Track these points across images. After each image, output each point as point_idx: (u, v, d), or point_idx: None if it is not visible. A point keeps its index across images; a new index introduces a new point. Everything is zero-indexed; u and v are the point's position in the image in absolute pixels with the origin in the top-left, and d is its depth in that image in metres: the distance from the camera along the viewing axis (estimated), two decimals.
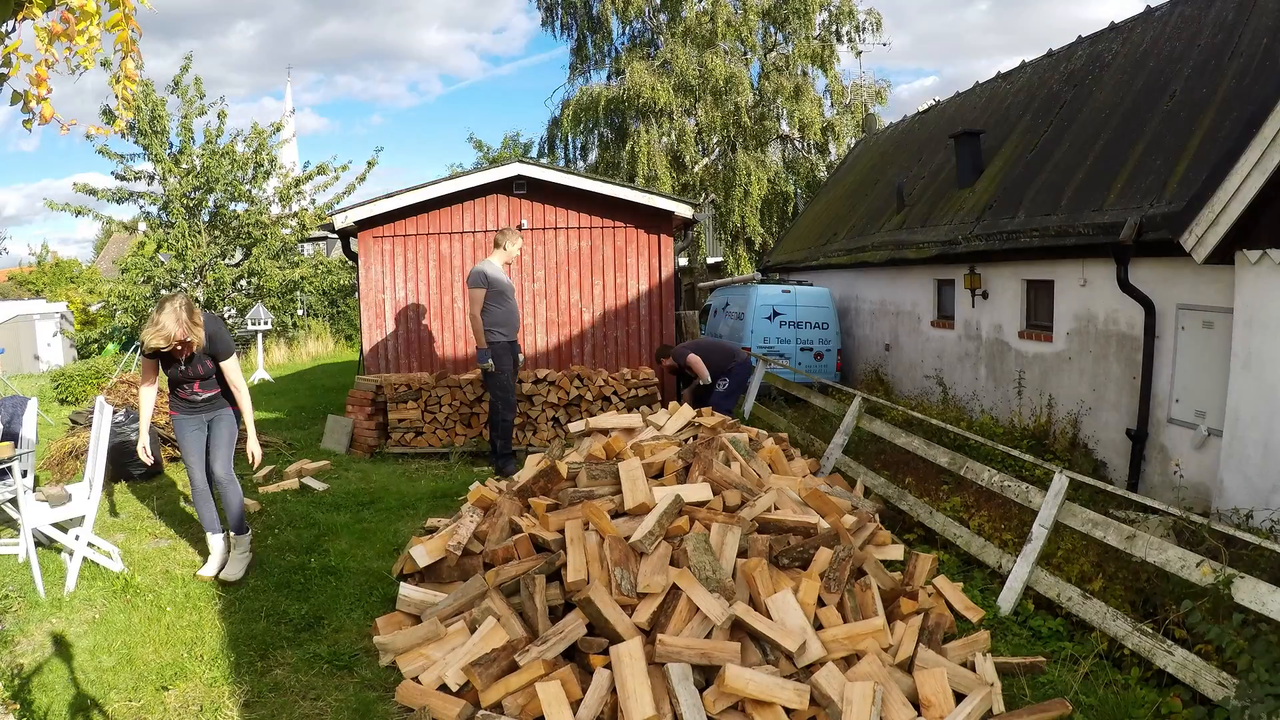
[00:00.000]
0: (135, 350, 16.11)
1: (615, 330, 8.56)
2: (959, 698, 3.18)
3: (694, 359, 7.55)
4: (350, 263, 12.09)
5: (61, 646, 3.74)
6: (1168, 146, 6.86)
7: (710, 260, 22.49)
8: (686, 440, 5.09)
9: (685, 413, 5.50)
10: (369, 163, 18.22)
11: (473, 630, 3.48)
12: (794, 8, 19.56)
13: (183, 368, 4.37)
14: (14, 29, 2.19)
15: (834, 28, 20.33)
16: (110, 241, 34.39)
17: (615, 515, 3.98)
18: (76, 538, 4.43)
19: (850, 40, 20.52)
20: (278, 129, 17.40)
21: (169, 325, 4.09)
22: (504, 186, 8.40)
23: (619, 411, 7.47)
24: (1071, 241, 7.22)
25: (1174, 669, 3.27)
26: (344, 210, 8.34)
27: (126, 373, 10.18)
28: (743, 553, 3.72)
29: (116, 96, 2.45)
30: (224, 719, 3.21)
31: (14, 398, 5.99)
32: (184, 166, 16.18)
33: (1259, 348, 5.25)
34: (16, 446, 5.20)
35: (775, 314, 11.11)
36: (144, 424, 4.55)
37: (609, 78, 21.25)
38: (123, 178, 16.47)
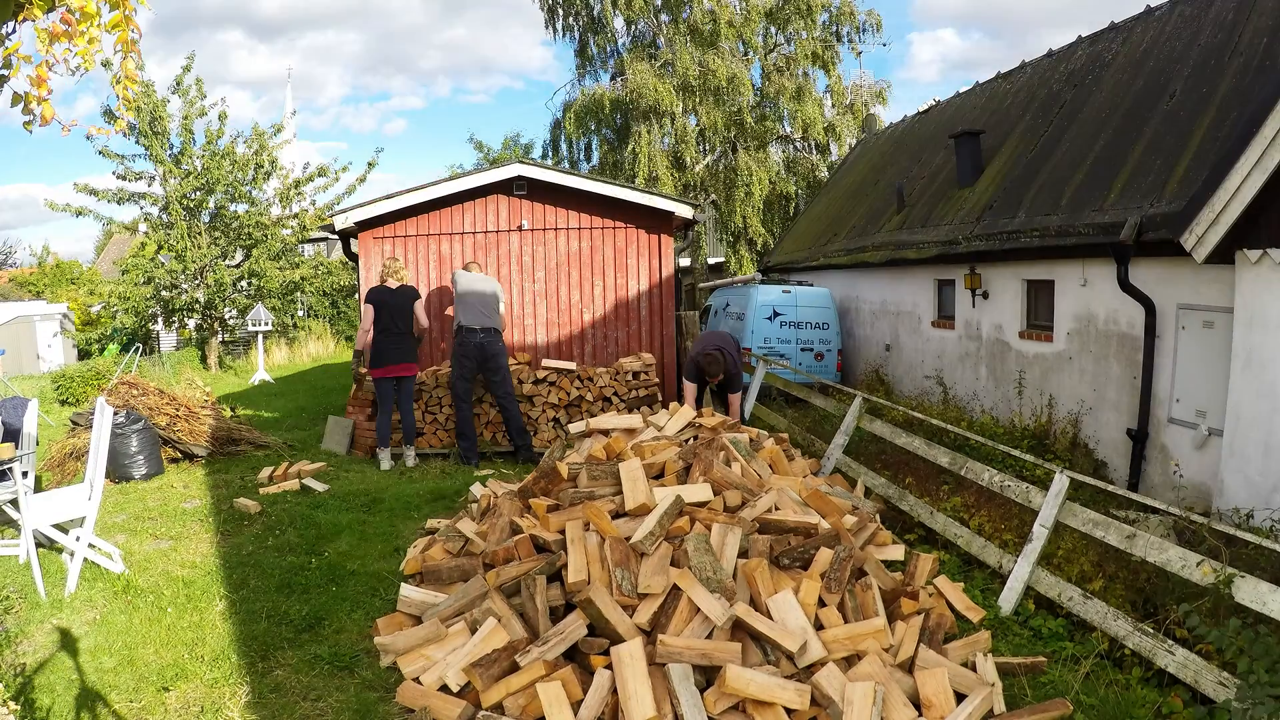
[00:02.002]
0: (136, 351, 16.13)
1: (616, 331, 8.56)
2: (960, 698, 3.18)
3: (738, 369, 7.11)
4: (351, 263, 12.08)
5: (63, 647, 3.74)
6: (1168, 146, 6.86)
7: (711, 260, 22.47)
8: (687, 441, 5.09)
9: (686, 413, 5.50)
10: (369, 164, 18.21)
11: (473, 631, 3.49)
12: (796, 8, 19.56)
13: None
14: (14, 30, 2.20)
15: (834, 28, 20.34)
16: (110, 243, 34.40)
17: (616, 516, 3.98)
18: (77, 539, 4.44)
19: (850, 41, 20.53)
20: (278, 130, 17.40)
21: None
22: (504, 187, 8.40)
23: (620, 412, 7.46)
24: (1072, 241, 7.22)
25: (1175, 669, 3.27)
26: (344, 211, 8.33)
27: (127, 374, 10.18)
28: (743, 553, 3.72)
29: (118, 97, 2.45)
30: None
31: (15, 398, 6.00)
32: (184, 168, 16.19)
33: (1259, 347, 5.25)
34: (18, 447, 5.21)
35: (776, 314, 11.11)
36: None
37: (612, 78, 21.25)
38: (123, 178, 16.49)
